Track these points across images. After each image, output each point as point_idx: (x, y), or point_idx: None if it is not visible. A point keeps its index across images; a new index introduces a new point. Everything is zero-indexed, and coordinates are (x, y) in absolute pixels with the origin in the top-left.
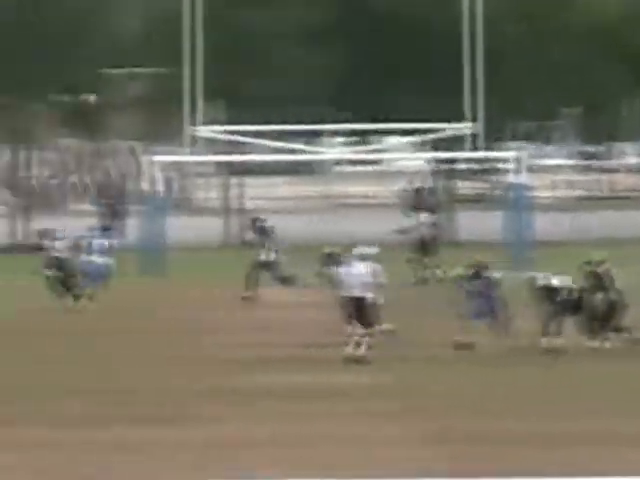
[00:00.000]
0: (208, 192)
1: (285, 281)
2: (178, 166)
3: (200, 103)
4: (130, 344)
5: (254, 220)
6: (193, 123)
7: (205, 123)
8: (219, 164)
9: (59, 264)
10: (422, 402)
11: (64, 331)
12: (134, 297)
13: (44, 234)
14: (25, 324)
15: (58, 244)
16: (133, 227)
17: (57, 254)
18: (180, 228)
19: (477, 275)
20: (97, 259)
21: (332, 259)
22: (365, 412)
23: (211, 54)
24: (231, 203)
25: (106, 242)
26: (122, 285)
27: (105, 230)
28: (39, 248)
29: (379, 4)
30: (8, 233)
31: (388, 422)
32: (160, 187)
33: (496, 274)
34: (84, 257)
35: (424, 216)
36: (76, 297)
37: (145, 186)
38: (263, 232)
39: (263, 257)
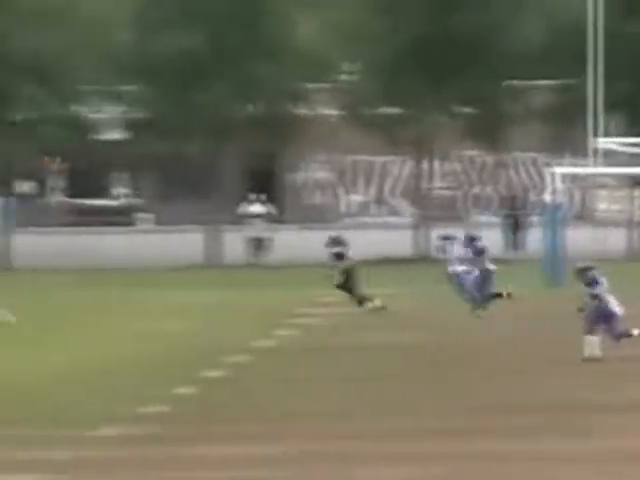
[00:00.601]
0: (610, 204)
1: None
2: (580, 177)
3: (601, 114)
4: (513, 354)
5: (467, 237)
6: (595, 135)
7: (607, 134)
8: (621, 176)
9: (349, 271)
10: None
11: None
12: (531, 307)
13: (335, 241)
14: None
15: (351, 252)
16: (535, 239)
17: (351, 262)
18: (582, 240)
19: None
20: (458, 268)
21: (585, 274)
22: None
23: (612, 64)
24: (634, 215)
25: (467, 251)
26: (525, 295)
27: (472, 240)
28: (340, 256)
29: None
30: (412, 244)
31: None
32: (562, 199)
33: None
34: (451, 267)
35: None
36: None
37: (547, 198)
38: (478, 252)
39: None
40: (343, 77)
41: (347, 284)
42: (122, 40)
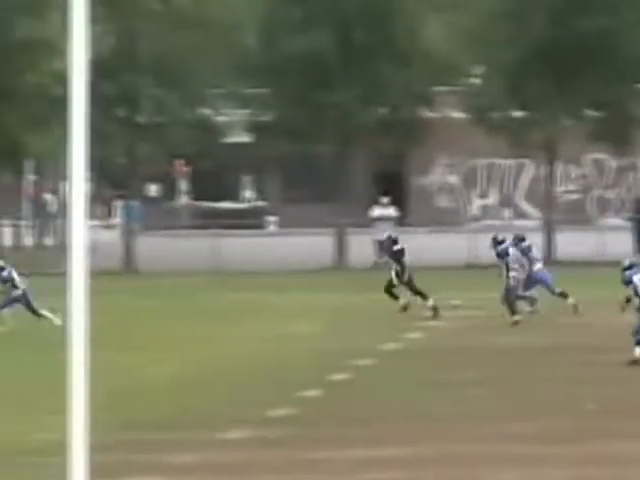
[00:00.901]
0: None
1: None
2: None
3: None
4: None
5: (495, 240)
6: None
7: None
8: None
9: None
10: None
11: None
12: None
13: (394, 241)
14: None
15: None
16: None
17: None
18: None
19: None
20: (534, 268)
21: (623, 274)
22: None
23: None
24: None
25: (538, 249)
26: None
27: (521, 240)
28: (401, 253)
29: None
30: (539, 247)
31: None
32: None
33: None
34: (531, 266)
35: None
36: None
37: None
38: (501, 255)
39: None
40: (470, 80)
41: (410, 282)
42: (249, 42)
